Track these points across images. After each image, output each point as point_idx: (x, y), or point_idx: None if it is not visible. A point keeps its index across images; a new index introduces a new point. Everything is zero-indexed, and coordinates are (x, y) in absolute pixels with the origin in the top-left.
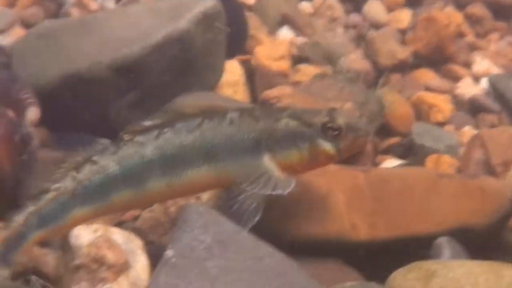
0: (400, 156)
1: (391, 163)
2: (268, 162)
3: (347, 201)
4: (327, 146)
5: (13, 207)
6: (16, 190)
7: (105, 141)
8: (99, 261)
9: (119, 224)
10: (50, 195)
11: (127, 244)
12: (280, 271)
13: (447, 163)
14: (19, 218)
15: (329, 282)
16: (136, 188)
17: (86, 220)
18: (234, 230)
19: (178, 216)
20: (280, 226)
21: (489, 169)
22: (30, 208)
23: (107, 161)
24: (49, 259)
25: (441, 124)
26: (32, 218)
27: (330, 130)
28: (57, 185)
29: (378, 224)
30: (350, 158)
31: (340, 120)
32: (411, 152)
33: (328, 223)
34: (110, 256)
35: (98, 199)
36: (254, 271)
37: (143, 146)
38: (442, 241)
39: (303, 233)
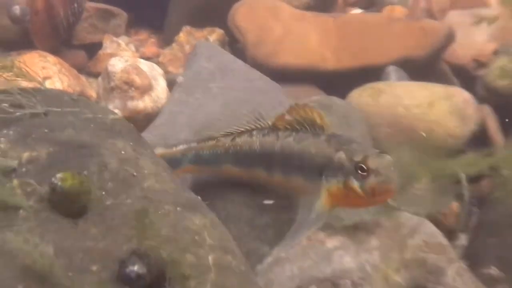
0: (364, 7)
1: (356, 12)
2: (323, 185)
3: (319, 40)
4: (355, 184)
5: (65, 45)
6: (67, 32)
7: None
8: (129, 84)
9: (145, 58)
10: (211, 143)
11: (151, 71)
12: (266, 90)
13: (400, 11)
14: (179, 147)
15: (301, 98)
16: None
17: (229, 173)
18: (233, 60)
19: (191, 51)
20: (270, 59)
21: (431, 15)
22: (192, 145)
23: (255, 140)
24: (92, 84)
25: None
26: (190, 152)
27: (359, 170)
28: (221, 138)
29: (343, 56)
30: None
31: (371, 163)
32: (373, 4)
33: (305, 56)
34: (137, 79)
35: (243, 164)
36: (246, 89)
37: (273, 144)
38: (390, 69)
39: (286, 64)
